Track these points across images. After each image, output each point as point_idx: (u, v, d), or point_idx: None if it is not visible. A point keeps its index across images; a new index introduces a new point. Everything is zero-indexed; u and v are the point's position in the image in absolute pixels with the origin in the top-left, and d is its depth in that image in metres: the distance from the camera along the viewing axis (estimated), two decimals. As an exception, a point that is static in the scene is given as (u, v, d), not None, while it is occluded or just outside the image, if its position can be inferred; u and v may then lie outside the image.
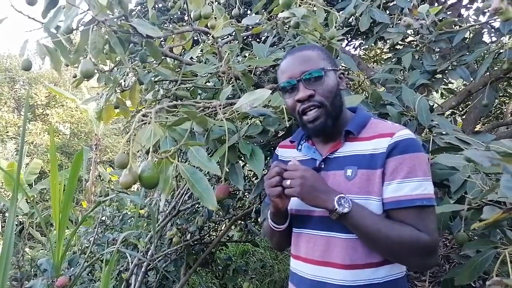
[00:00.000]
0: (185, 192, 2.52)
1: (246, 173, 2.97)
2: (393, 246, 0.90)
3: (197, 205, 2.65)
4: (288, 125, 1.31)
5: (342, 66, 2.80)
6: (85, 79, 1.43)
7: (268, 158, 1.94)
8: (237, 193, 2.65)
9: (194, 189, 0.91)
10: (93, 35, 1.21)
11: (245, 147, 1.18)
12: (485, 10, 1.99)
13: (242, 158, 1.65)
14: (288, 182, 0.94)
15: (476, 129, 2.74)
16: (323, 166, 1.04)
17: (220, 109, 1.17)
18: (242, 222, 3.07)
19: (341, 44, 3.24)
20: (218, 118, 1.20)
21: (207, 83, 1.87)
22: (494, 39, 2.26)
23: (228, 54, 1.50)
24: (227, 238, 3.28)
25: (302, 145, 1.11)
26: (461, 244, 1.16)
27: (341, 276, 0.97)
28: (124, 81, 1.90)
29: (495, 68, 2.29)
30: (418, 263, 0.92)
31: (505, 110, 4.19)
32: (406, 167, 0.91)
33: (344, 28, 2.08)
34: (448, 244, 3.54)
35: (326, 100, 0.99)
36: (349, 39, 3.86)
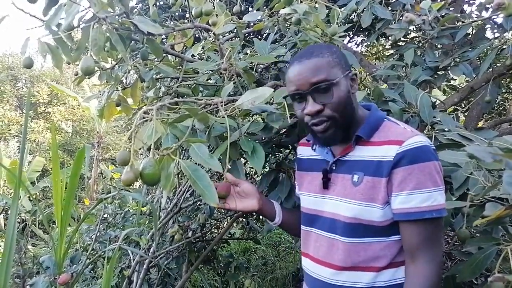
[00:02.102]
0: (186, 190, 2.52)
1: (247, 170, 2.97)
2: None
3: (198, 203, 2.65)
4: (291, 123, 1.31)
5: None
6: (86, 77, 1.43)
7: (270, 156, 1.94)
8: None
9: (196, 186, 0.91)
10: (94, 32, 1.21)
11: (246, 144, 1.18)
12: (488, 6, 1.97)
13: (244, 156, 1.65)
14: None
15: (478, 126, 2.72)
16: (334, 168, 1.03)
17: (221, 106, 1.17)
18: (244, 220, 3.07)
19: (343, 40, 3.23)
20: (220, 115, 1.20)
21: (209, 80, 1.87)
22: (497, 35, 2.25)
23: (230, 51, 1.50)
24: (229, 235, 3.28)
25: (316, 145, 1.11)
26: (463, 241, 1.16)
27: (342, 277, 0.98)
28: (126, 79, 1.90)
29: (498, 64, 2.28)
30: None
31: (508, 106, 4.17)
32: (415, 178, 0.89)
33: (346, 24, 2.08)
34: (450, 241, 3.53)
35: (336, 114, 0.95)
36: (351, 36, 3.84)
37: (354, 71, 0.99)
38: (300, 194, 1.15)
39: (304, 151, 1.16)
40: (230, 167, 1.13)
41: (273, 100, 1.32)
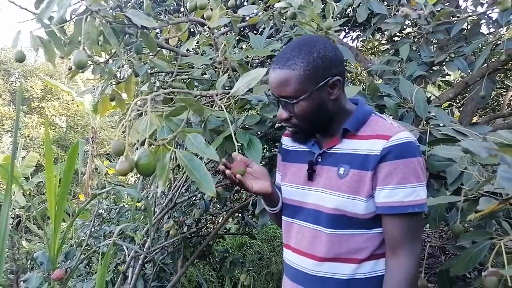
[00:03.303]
0: (181, 185, 2.51)
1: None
2: None
3: (194, 198, 2.65)
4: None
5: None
6: (79, 71, 1.41)
7: (265, 151, 1.94)
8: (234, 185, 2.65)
9: (192, 175, 0.91)
10: (87, 25, 1.19)
11: (242, 136, 1.17)
12: (483, 1, 1.97)
13: (240, 150, 1.64)
14: None
15: (473, 121, 2.74)
16: (320, 160, 1.04)
17: (217, 97, 1.16)
18: (240, 215, 3.07)
19: (339, 35, 3.22)
20: (215, 109, 1.19)
21: (204, 75, 1.86)
22: (492, 30, 2.25)
23: (225, 45, 1.49)
24: (224, 230, 3.28)
25: None
26: (457, 235, 1.16)
27: (324, 268, 0.99)
28: (120, 73, 1.88)
29: (493, 60, 2.29)
30: None
31: (502, 102, 4.20)
32: (400, 173, 0.91)
33: (342, 19, 2.07)
34: (444, 235, 3.56)
35: (302, 124, 0.99)
36: (347, 31, 3.84)
37: (337, 77, 0.94)
38: (283, 185, 1.14)
39: (290, 142, 1.15)
40: (241, 144, 1.11)
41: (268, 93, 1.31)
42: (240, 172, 1.00)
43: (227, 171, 1.00)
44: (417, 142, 0.96)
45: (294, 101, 0.94)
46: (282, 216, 1.14)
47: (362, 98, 1.08)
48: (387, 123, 0.99)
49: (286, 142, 1.18)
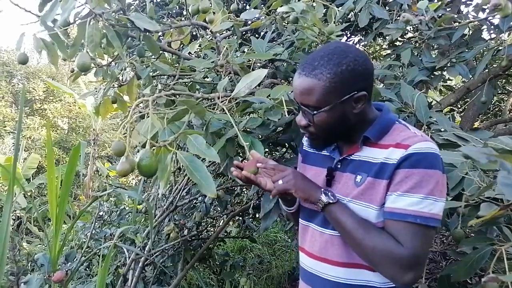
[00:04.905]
0: (182, 188, 2.52)
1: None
2: (367, 249, 0.88)
3: (194, 201, 2.65)
4: (287, 120, 1.31)
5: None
6: (82, 73, 1.42)
7: (267, 152, 1.93)
8: (235, 188, 2.65)
9: (193, 177, 0.91)
10: (90, 28, 1.20)
11: (244, 139, 1.17)
12: (485, 7, 1.98)
13: (241, 154, 1.64)
14: (280, 181, 0.98)
15: (474, 126, 2.74)
16: (339, 166, 1.02)
17: (219, 100, 1.16)
18: (240, 218, 3.07)
19: (341, 40, 3.23)
20: (217, 111, 1.20)
21: (206, 78, 1.86)
22: (493, 36, 2.26)
23: (227, 49, 1.50)
24: (225, 233, 3.28)
25: None
26: (458, 240, 1.16)
27: (337, 273, 0.98)
28: (122, 76, 1.89)
29: (494, 65, 2.29)
30: (390, 274, 0.88)
31: (503, 107, 4.19)
32: (411, 182, 0.86)
33: (343, 23, 2.08)
34: (445, 240, 3.55)
35: (320, 133, 0.97)
36: (349, 35, 3.85)
37: (363, 92, 0.91)
38: None
39: (311, 144, 1.14)
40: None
41: (270, 97, 1.31)
42: (252, 172, 1.02)
43: (234, 173, 1.01)
44: (441, 155, 0.90)
45: (315, 112, 0.92)
46: (299, 219, 1.13)
47: (386, 105, 1.04)
48: (411, 132, 0.95)
49: (307, 144, 1.17)
